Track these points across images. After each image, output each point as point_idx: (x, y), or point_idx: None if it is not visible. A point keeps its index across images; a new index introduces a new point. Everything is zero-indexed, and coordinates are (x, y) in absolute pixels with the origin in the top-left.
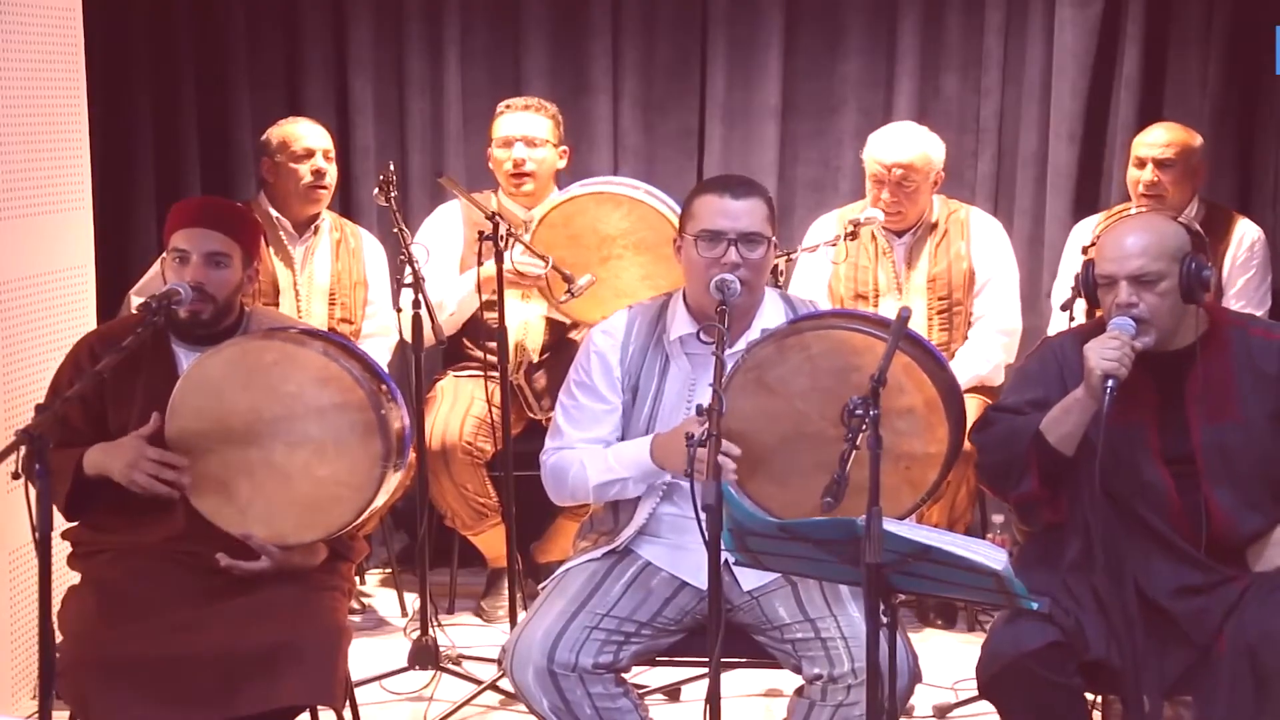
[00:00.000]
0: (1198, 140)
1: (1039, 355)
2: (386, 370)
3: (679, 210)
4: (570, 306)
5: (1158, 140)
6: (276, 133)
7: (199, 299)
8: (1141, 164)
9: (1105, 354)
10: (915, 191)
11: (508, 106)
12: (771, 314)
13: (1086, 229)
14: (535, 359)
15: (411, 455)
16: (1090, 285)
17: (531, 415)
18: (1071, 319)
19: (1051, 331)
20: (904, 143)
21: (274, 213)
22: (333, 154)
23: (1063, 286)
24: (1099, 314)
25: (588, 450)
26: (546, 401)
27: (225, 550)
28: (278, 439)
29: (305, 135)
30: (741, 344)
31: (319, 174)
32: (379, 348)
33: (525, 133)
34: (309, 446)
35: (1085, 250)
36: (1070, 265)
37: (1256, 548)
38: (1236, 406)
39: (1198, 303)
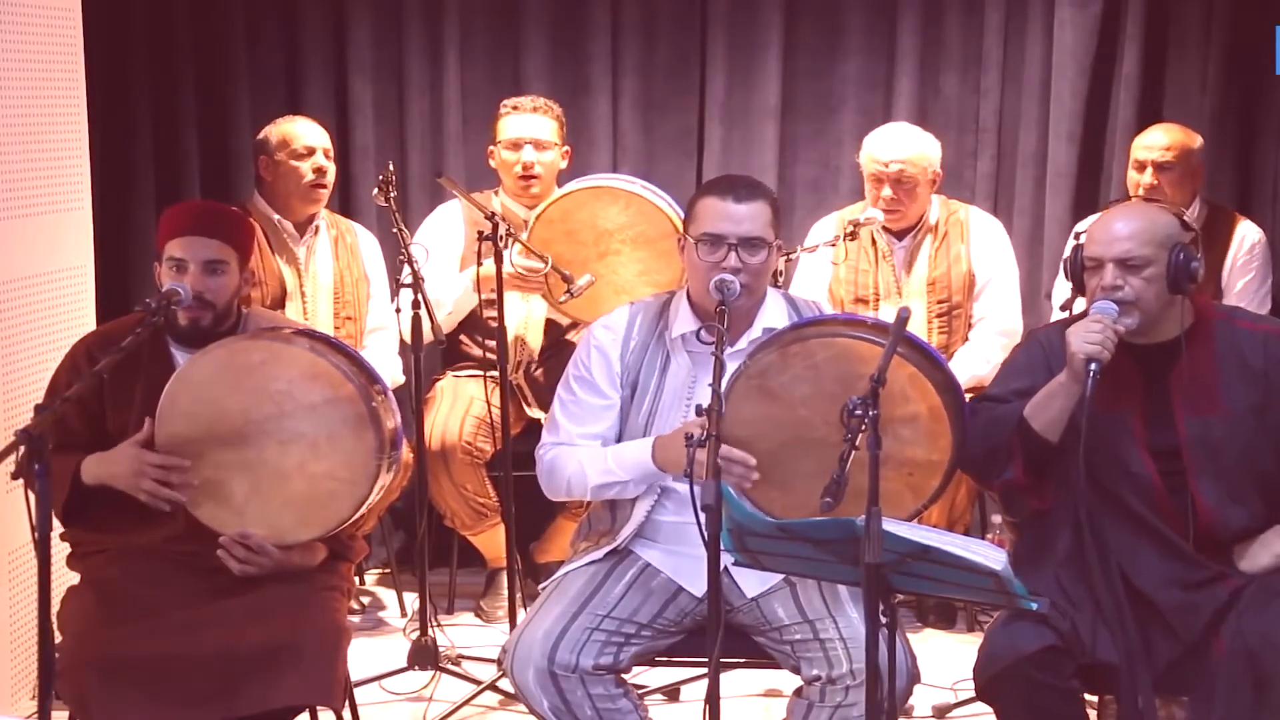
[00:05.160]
0: (1197, 141)
1: (1025, 346)
2: (400, 366)
3: (677, 206)
4: (568, 305)
5: (1156, 143)
6: (276, 131)
7: (199, 306)
8: (1141, 167)
9: (1088, 337)
10: (914, 189)
11: (515, 108)
12: (774, 314)
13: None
14: (535, 357)
15: (409, 455)
16: (1078, 269)
17: (530, 414)
18: (1071, 317)
19: None
20: (899, 141)
21: (274, 215)
22: (332, 153)
23: (1063, 286)
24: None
25: (586, 449)
26: (546, 399)
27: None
28: (270, 438)
29: (306, 133)
30: (743, 343)
31: (320, 172)
32: (385, 342)
33: (535, 135)
34: (302, 443)
35: (1076, 236)
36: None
37: (1242, 547)
38: (1220, 399)
39: (1184, 294)
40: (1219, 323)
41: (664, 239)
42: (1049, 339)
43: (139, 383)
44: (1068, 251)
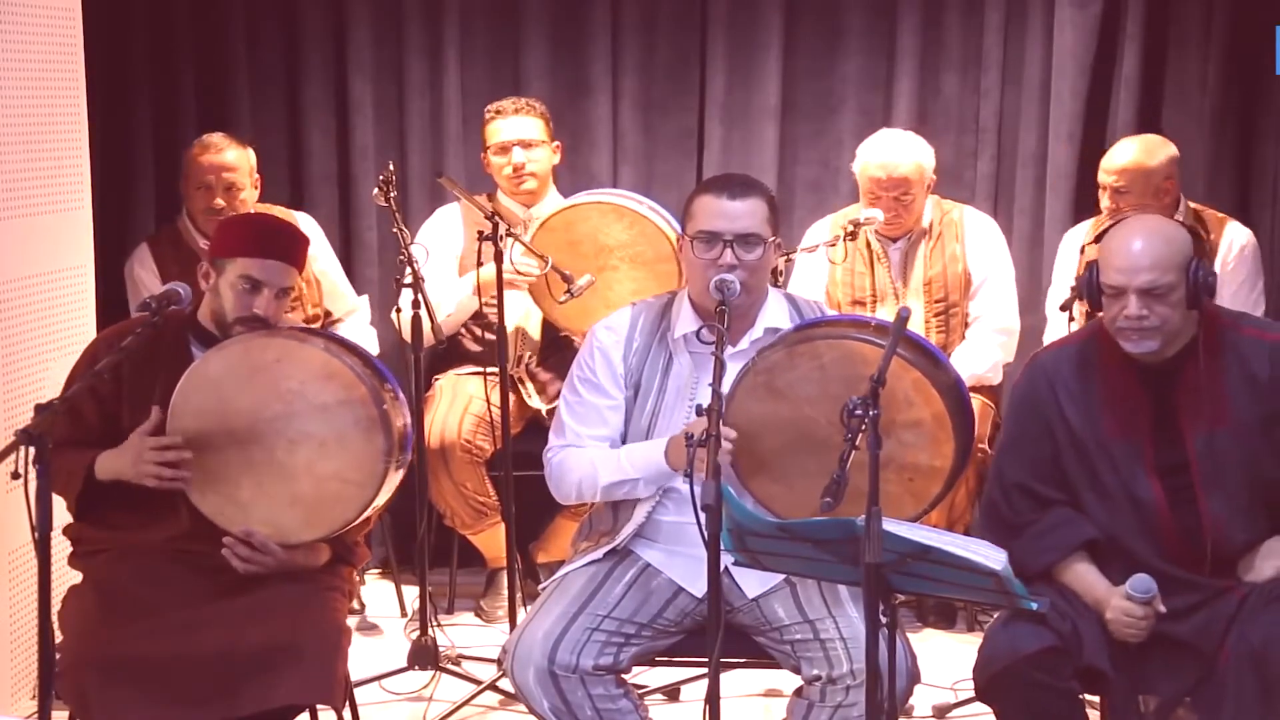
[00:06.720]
0: (1158, 158)
1: (1018, 411)
2: (374, 335)
3: (680, 228)
4: (562, 313)
5: (1112, 166)
6: (187, 156)
7: (258, 324)
8: (1103, 190)
9: (1130, 634)
10: (912, 202)
11: (499, 112)
12: (775, 313)
13: (1078, 235)
14: (536, 351)
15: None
16: (1094, 290)
17: (532, 404)
18: (1071, 319)
19: (1049, 335)
20: (896, 155)
21: (202, 242)
22: (238, 171)
23: (1058, 292)
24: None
25: (597, 450)
26: (551, 391)
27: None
28: (280, 436)
29: (208, 162)
30: (744, 343)
31: (230, 198)
32: (354, 324)
33: (520, 136)
34: (311, 443)
35: (1084, 250)
36: (1064, 271)
37: (1247, 559)
38: (1228, 411)
39: (1199, 308)
40: (1227, 331)
41: (662, 261)
42: (1055, 367)
43: (159, 382)
44: (1070, 272)
